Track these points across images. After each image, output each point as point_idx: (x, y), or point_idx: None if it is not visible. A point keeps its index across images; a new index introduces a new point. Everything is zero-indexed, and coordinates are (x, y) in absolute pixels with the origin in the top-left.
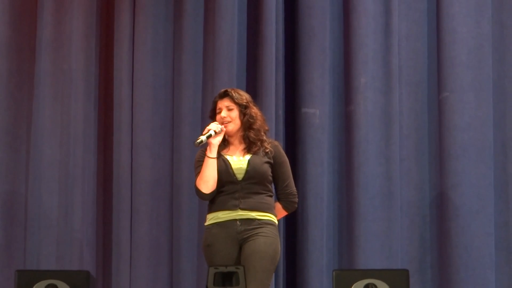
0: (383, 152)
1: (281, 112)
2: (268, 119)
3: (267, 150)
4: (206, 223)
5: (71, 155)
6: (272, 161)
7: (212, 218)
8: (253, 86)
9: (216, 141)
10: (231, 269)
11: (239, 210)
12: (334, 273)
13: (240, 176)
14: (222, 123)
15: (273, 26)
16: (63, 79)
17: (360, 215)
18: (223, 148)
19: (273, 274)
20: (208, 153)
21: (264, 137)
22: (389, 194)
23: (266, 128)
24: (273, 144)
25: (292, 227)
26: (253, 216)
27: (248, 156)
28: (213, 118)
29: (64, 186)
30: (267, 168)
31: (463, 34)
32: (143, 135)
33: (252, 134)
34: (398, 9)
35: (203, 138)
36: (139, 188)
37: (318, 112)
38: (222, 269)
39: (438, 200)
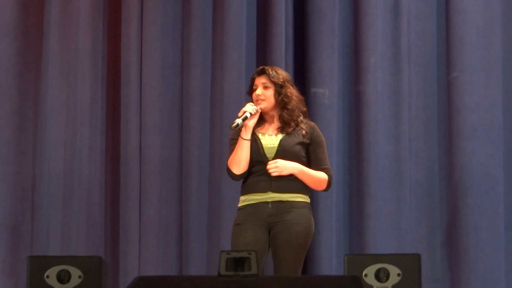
0: (392, 132)
1: None
2: None
3: (303, 132)
4: (239, 205)
5: (78, 135)
6: (308, 141)
7: (245, 200)
8: (262, 66)
9: (251, 123)
10: (243, 254)
11: (270, 192)
12: (346, 258)
13: (270, 156)
14: (256, 101)
15: (283, 6)
16: (70, 59)
17: (370, 195)
18: (258, 125)
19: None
20: (243, 135)
21: (300, 118)
22: (399, 174)
23: (303, 109)
24: (309, 125)
25: None
26: (285, 198)
27: (280, 136)
28: (250, 94)
29: (70, 166)
30: (299, 149)
31: (473, 14)
32: (151, 115)
33: (285, 114)
34: None
35: (239, 121)
36: (148, 168)
37: (328, 92)
38: (234, 254)
39: (447, 180)
